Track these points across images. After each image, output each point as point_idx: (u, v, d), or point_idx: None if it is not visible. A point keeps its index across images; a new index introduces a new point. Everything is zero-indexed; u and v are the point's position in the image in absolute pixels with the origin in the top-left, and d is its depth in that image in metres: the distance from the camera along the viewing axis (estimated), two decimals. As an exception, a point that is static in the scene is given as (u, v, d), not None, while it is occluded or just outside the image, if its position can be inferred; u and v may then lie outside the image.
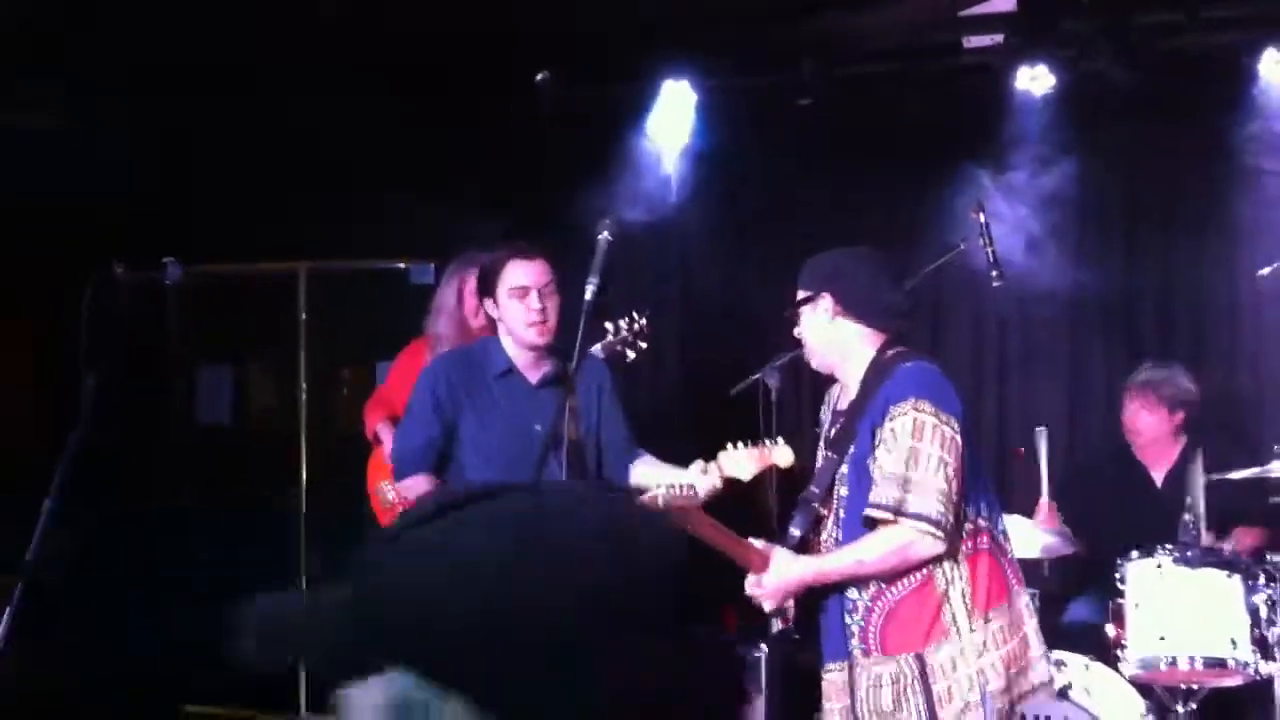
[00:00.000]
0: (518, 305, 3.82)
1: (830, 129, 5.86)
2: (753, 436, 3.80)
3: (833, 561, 3.22)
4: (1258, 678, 4.15)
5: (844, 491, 3.25)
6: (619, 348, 4.33)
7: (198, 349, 6.55)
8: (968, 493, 3.19)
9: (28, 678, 3.92)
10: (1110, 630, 4.33)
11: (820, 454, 3.41)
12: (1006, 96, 5.49)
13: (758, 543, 3.24)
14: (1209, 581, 4.16)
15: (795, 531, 3.34)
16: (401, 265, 4.57)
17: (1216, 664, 4.12)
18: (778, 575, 3.20)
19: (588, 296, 3.56)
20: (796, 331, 3.36)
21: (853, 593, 3.22)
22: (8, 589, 3.51)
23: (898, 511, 3.08)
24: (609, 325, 4.16)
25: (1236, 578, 4.15)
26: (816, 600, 3.30)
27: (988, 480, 3.35)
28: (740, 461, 3.72)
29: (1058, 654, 4.24)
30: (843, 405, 3.35)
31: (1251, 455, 4.57)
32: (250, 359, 6.63)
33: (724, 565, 3.26)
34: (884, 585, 3.17)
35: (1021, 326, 6.01)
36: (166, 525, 5.87)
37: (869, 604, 3.19)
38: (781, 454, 3.71)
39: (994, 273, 4.83)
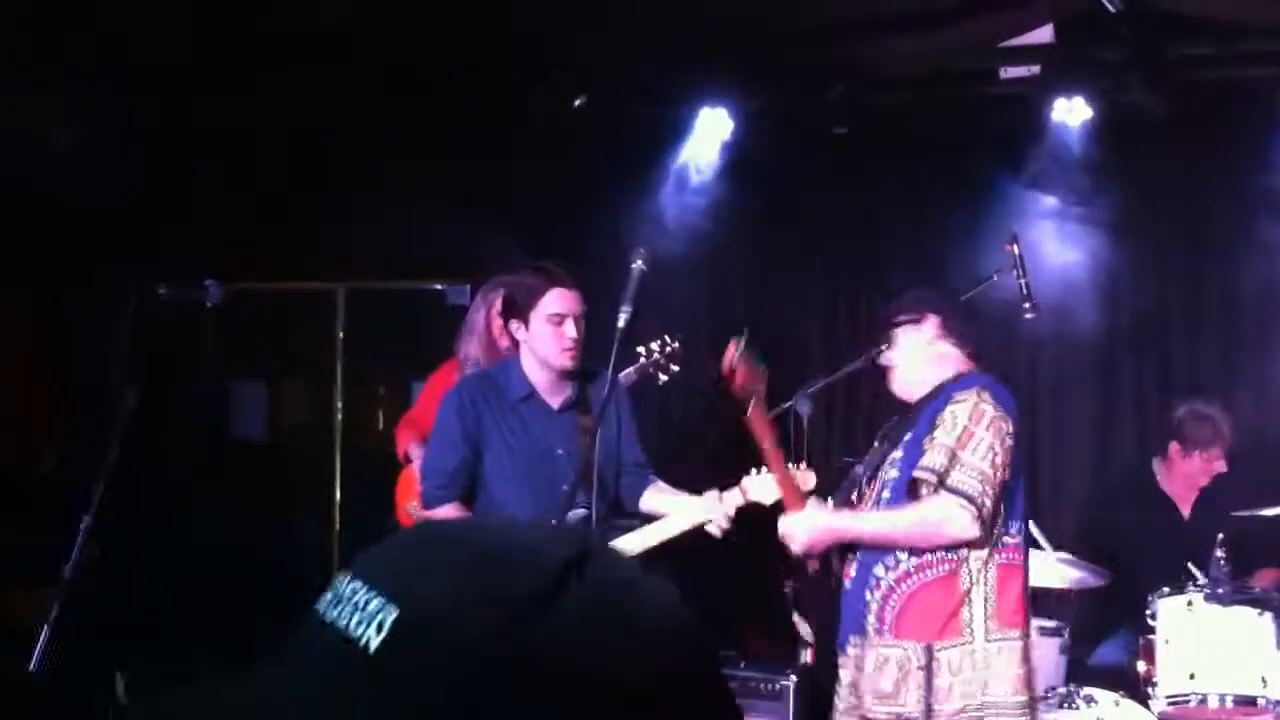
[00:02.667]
0: (553, 331, 3.84)
1: (866, 156, 5.88)
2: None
3: (865, 520, 3.31)
4: (1287, 716, 4.13)
5: (892, 474, 3.33)
6: (651, 371, 4.35)
7: (232, 365, 6.59)
8: (1011, 502, 3.24)
9: (64, 688, 3.95)
10: (1140, 666, 4.31)
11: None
12: (1042, 126, 5.49)
13: (799, 478, 3.36)
14: (1240, 619, 4.15)
15: (831, 502, 3.46)
16: (438, 286, 4.59)
17: (1247, 702, 4.11)
18: (810, 520, 3.31)
19: (620, 324, 3.59)
20: (885, 355, 3.43)
21: (879, 569, 3.28)
22: (46, 600, 3.55)
23: (941, 478, 3.15)
24: (641, 349, 4.18)
25: (1268, 615, 4.15)
26: (844, 567, 3.36)
27: (1027, 506, 3.41)
28: (764, 485, 3.76)
29: (1087, 689, 4.23)
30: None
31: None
32: (283, 376, 6.67)
33: (745, 585, 3.31)
34: (911, 569, 3.23)
35: (1052, 355, 6.00)
36: (201, 540, 5.90)
37: (892, 584, 3.25)
38: (804, 479, 3.75)
39: (1026, 305, 4.82)
